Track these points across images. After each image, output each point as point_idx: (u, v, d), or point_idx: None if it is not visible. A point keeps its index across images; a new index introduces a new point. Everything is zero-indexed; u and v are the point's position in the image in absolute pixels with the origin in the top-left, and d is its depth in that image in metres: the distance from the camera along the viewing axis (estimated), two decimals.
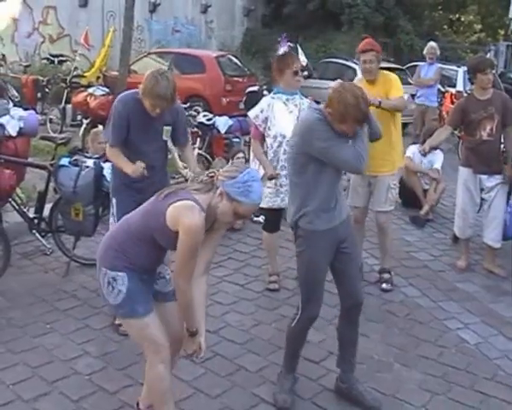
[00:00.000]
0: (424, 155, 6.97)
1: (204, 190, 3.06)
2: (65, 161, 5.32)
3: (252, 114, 5.29)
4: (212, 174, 3.09)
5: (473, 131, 5.84)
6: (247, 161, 7.65)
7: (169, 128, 4.45)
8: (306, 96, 5.55)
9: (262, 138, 5.21)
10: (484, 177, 5.90)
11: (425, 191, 7.82)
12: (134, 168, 4.26)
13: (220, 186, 3.02)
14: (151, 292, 3.25)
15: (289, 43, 5.40)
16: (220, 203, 3.01)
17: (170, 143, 4.74)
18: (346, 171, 4.04)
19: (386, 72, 5.55)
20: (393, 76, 5.51)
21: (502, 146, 6.05)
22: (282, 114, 5.11)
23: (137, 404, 3.50)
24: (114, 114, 4.33)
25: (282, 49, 5.29)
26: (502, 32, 30.38)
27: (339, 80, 3.79)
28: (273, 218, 5.37)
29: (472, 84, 6.07)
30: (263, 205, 5.29)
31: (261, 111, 5.21)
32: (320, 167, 3.57)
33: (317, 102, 4.46)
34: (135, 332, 3.25)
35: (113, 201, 4.56)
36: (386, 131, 5.16)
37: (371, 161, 5.19)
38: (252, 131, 5.43)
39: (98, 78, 12.89)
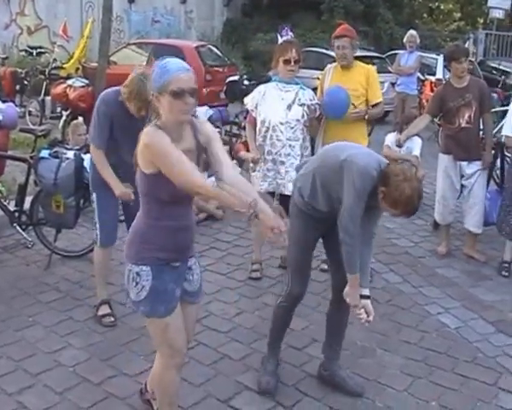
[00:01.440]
0: (399, 146, 6.99)
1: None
2: (45, 153, 5.29)
3: (245, 99, 5.43)
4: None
5: (451, 119, 5.90)
6: (231, 151, 7.68)
7: None
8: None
9: (254, 123, 5.29)
10: (464, 163, 5.95)
11: None
12: (122, 193, 4.28)
13: (151, 96, 2.89)
14: (177, 289, 3.06)
15: (290, 33, 5.41)
16: (163, 108, 2.85)
17: None
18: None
19: (363, 64, 5.52)
20: (372, 71, 5.49)
21: (481, 133, 6.11)
22: (272, 101, 5.16)
23: (141, 390, 3.54)
24: (98, 114, 4.31)
25: (280, 39, 5.34)
26: (481, 21, 30.53)
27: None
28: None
29: (449, 72, 6.12)
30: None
31: (252, 98, 5.30)
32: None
33: None
34: (155, 332, 3.11)
35: (94, 195, 4.55)
36: (355, 121, 5.26)
37: None
38: (247, 117, 5.55)
39: (77, 69, 12.81)
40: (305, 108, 5.11)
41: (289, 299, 3.85)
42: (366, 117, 5.40)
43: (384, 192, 3.34)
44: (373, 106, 5.40)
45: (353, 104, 5.22)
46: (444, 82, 12.81)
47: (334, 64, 5.57)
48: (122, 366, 4.02)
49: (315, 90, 5.55)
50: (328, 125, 5.35)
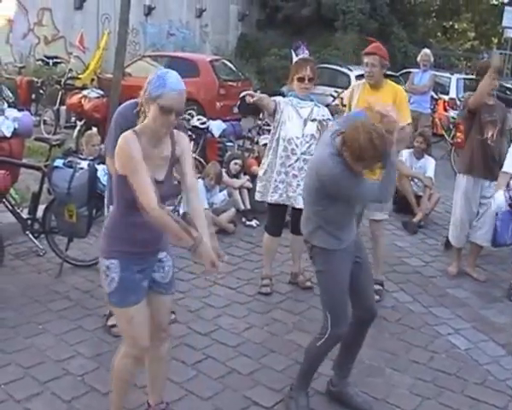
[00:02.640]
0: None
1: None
2: (59, 162, 5.33)
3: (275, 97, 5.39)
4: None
5: (482, 130, 5.87)
6: (242, 167, 7.70)
7: None
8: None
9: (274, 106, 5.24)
10: (485, 184, 5.93)
11: (417, 197, 7.87)
12: None
13: (143, 100, 3.01)
14: (146, 281, 3.22)
15: (306, 51, 5.42)
16: (149, 113, 2.99)
17: None
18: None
19: (393, 83, 5.52)
20: (401, 91, 5.48)
21: None
22: (289, 115, 5.18)
23: (148, 403, 3.58)
24: (116, 127, 4.30)
25: (295, 56, 5.37)
26: (495, 41, 30.56)
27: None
28: (275, 216, 5.40)
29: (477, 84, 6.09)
30: (259, 198, 5.39)
31: (279, 100, 5.29)
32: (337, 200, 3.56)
33: None
34: (121, 322, 3.31)
35: (110, 208, 4.54)
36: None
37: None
38: None
39: (92, 80, 12.88)
40: (317, 123, 5.12)
41: (332, 340, 3.70)
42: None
43: (346, 153, 3.39)
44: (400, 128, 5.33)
45: None
46: (457, 102, 12.86)
47: (362, 82, 5.56)
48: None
49: (328, 106, 5.56)
50: None
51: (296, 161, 5.14)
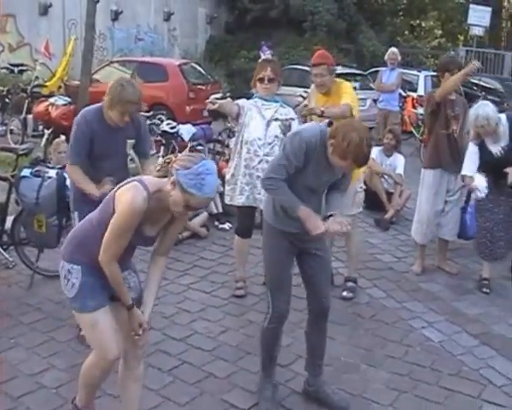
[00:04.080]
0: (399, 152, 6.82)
1: (157, 175, 3.07)
2: (26, 172, 5.26)
3: (239, 101, 5.39)
4: (169, 160, 3.06)
5: (447, 124, 5.89)
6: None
7: (132, 141, 4.44)
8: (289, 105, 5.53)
9: (237, 111, 5.24)
10: (452, 178, 5.96)
11: (388, 194, 7.93)
12: (101, 193, 4.17)
13: (174, 174, 2.97)
14: (108, 291, 3.20)
15: (268, 50, 5.42)
16: (172, 192, 2.97)
17: (133, 153, 4.74)
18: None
19: (341, 81, 5.50)
20: (346, 84, 5.45)
21: None
22: (253, 117, 5.18)
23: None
24: (77, 132, 4.28)
25: (261, 57, 5.36)
26: (461, 38, 30.92)
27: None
28: (244, 218, 5.39)
29: (439, 81, 6.13)
30: (228, 202, 5.39)
31: (243, 103, 5.29)
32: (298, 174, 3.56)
33: None
34: (86, 329, 3.27)
35: (75, 214, 4.50)
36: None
37: None
38: None
39: (59, 87, 12.81)
40: (280, 123, 5.12)
41: (274, 320, 3.80)
42: (323, 114, 5.08)
43: (333, 144, 3.38)
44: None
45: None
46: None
47: (313, 87, 5.57)
48: (105, 386, 3.93)
49: (297, 106, 5.56)
50: None
51: (259, 162, 5.13)
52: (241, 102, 5.30)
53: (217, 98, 8.80)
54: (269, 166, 3.71)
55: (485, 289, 5.78)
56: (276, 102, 5.28)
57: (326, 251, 3.96)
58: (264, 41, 5.38)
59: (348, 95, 5.27)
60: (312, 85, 5.61)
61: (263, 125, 5.16)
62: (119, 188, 3.07)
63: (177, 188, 2.94)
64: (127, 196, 2.94)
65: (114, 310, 3.24)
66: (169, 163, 3.04)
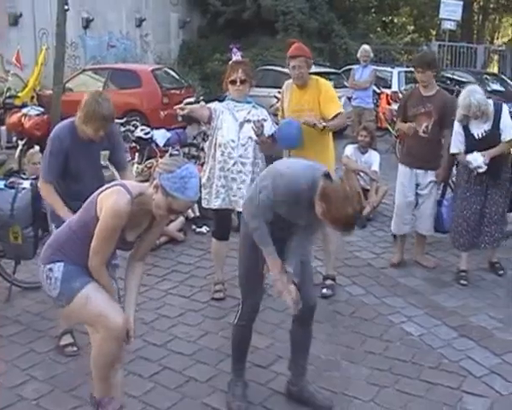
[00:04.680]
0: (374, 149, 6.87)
1: (139, 180, 3.10)
2: (0, 183, 5.21)
3: (210, 104, 5.37)
4: (150, 165, 3.12)
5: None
6: None
7: (106, 152, 4.42)
8: (263, 106, 5.54)
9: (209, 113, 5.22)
10: (420, 172, 6.02)
11: (364, 191, 7.95)
12: (68, 214, 4.15)
13: (156, 178, 2.99)
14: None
15: (238, 52, 5.42)
16: (155, 195, 2.99)
17: (108, 163, 4.74)
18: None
19: (317, 77, 5.53)
20: (327, 84, 5.50)
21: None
22: (225, 120, 5.17)
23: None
24: (51, 150, 4.25)
25: (231, 59, 5.37)
26: (434, 33, 31.20)
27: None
28: (220, 221, 5.39)
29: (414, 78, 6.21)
30: (203, 205, 5.39)
31: (216, 105, 5.27)
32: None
33: None
34: (82, 313, 3.22)
35: (53, 227, 4.47)
36: (319, 133, 5.28)
37: None
38: None
39: (32, 97, 12.68)
40: (252, 124, 5.11)
41: (244, 316, 3.83)
42: (322, 126, 5.24)
43: (324, 209, 3.31)
44: (333, 117, 5.32)
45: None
46: (399, 94, 13.06)
47: (290, 81, 5.58)
48: (86, 395, 3.91)
49: (271, 107, 5.58)
50: None
51: (234, 164, 5.13)
52: (213, 105, 5.30)
53: (190, 102, 8.83)
54: (253, 196, 3.57)
55: (462, 281, 5.83)
56: (249, 103, 5.29)
57: (307, 252, 3.94)
58: (233, 43, 5.33)
59: (337, 104, 5.40)
60: (286, 82, 5.63)
61: (236, 126, 5.16)
62: (100, 192, 3.07)
63: (160, 191, 2.97)
64: (111, 199, 2.96)
65: None
66: (150, 168, 3.09)
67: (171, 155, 8.27)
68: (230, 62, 5.34)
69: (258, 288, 3.85)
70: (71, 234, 3.16)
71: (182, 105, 5.25)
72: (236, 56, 5.36)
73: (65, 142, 4.23)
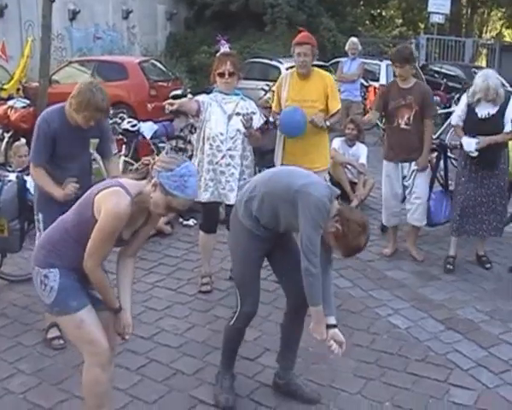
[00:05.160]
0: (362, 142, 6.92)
1: (136, 178, 3.04)
2: None
3: (198, 96, 5.36)
4: (147, 162, 3.04)
5: (391, 119, 6.03)
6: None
7: (96, 141, 4.41)
8: (251, 98, 5.56)
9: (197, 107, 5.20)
10: (405, 165, 6.06)
11: (352, 184, 7.97)
12: (65, 192, 4.22)
13: (155, 176, 2.95)
14: (86, 291, 3.17)
15: (226, 44, 5.40)
16: (154, 194, 2.96)
17: (95, 153, 4.72)
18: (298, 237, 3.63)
19: (319, 69, 5.59)
20: (330, 79, 5.55)
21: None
22: (214, 112, 5.16)
23: None
24: (39, 134, 4.23)
25: (219, 51, 5.35)
26: (422, 26, 31.24)
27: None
28: (208, 214, 5.37)
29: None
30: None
31: (203, 98, 5.25)
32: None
33: None
34: (71, 331, 3.18)
35: (40, 216, 4.46)
36: (318, 128, 5.30)
37: (305, 157, 5.33)
38: None
39: (18, 90, 12.59)
40: (241, 117, 5.10)
41: (241, 319, 3.75)
42: (326, 126, 5.39)
43: (338, 230, 3.37)
44: (333, 114, 5.45)
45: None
46: None
47: (290, 71, 5.56)
48: (74, 388, 3.93)
49: (260, 100, 5.59)
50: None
51: (222, 157, 5.12)
52: (201, 97, 5.28)
53: (177, 95, 8.80)
54: (305, 242, 3.40)
55: (448, 266, 5.94)
56: (237, 95, 5.27)
57: (295, 243, 3.93)
58: (221, 35, 5.31)
59: (338, 100, 5.48)
60: (284, 72, 5.64)
61: (224, 119, 5.14)
62: (98, 192, 3.00)
63: (159, 190, 2.94)
64: (111, 202, 2.89)
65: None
66: (147, 165, 3.02)
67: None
68: (218, 54, 5.32)
69: (257, 290, 3.76)
70: (64, 234, 3.09)
71: (171, 100, 5.21)
72: (224, 48, 5.34)
73: (52, 125, 4.20)
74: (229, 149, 5.12)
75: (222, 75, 5.17)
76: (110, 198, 2.91)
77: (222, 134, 5.11)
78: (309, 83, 5.38)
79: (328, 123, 5.38)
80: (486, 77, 5.62)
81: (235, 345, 3.90)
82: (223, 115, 5.13)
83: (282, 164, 5.56)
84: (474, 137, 5.66)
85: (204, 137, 5.18)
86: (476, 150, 5.61)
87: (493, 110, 5.65)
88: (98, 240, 2.94)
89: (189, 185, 2.96)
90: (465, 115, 5.79)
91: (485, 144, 5.60)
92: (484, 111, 5.67)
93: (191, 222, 7.14)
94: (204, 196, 5.21)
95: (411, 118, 5.90)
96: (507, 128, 5.66)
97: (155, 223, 3.41)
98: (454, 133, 6.16)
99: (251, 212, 3.61)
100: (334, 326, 3.60)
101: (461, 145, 5.81)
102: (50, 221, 4.32)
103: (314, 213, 3.36)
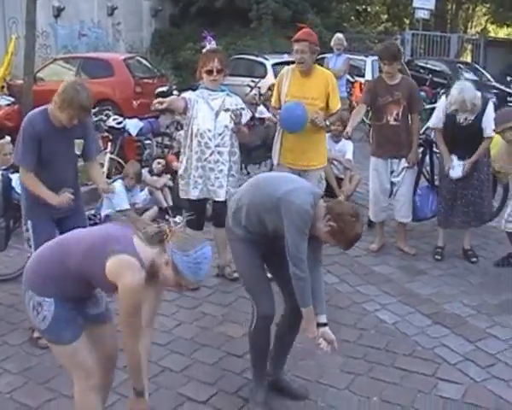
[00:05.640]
0: (349, 138, 6.96)
1: (150, 244, 2.91)
2: None
3: (185, 93, 5.37)
4: (163, 233, 2.91)
5: (379, 115, 6.04)
6: (165, 167, 7.65)
7: (81, 141, 4.38)
8: (237, 94, 5.58)
9: (185, 104, 5.19)
10: (394, 160, 6.08)
11: (338, 180, 7.97)
12: (60, 199, 4.23)
13: (169, 252, 2.85)
14: (81, 316, 3.10)
15: (212, 41, 5.38)
16: (165, 270, 2.88)
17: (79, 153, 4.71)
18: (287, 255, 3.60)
19: (322, 68, 5.63)
20: (332, 77, 5.56)
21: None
22: (201, 109, 5.15)
23: None
24: (24, 137, 4.20)
25: (205, 47, 5.32)
26: (407, 22, 31.32)
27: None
28: (196, 210, 5.31)
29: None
30: (182, 196, 5.36)
31: (190, 95, 5.25)
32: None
33: None
34: (63, 359, 3.12)
35: (29, 224, 4.40)
36: (317, 127, 5.30)
37: (303, 155, 5.34)
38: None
39: (2, 87, 12.51)
40: (230, 113, 5.09)
41: (262, 323, 3.68)
42: (326, 126, 5.43)
43: (333, 228, 3.37)
44: (331, 114, 5.48)
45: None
46: None
47: (292, 67, 5.55)
48: (61, 387, 3.92)
49: (246, 96, 5.59)
50: (285, 133, 5.46)
51: (211, 154, 5.11)
52: (188, 94, 5.26)
53: (163, 91, 8.77)
54: (290, 248, 3.43)
55: (437, 256, 6.07)
56: (223, 91, 5.26)
57: None
58: (207, 31, 5.28)
59: (338, 99, 5.51)
60: (286, 67, 5.63)
61: (212, 115, 5.13)
62: (112, 252, 2.82)
63: (171, 268, 2.85)
64: (126, 278, 2.79)
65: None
66: (163, 236, 2.90)
67: (138, 145, 8.20)
68: (204, 51, 5.30)
69: (269, 291, 3.70)
70: (65, 270, 2.94)
71: (161, 99, 5.19)
72: (210, 45, 5.32)
73: (37, 127, 4.17)
74: (217, 146, 5.10)
75: (210, 72, 5.15)
76: (125, 273, 2.80)
77: (210, 130, 5.09)
78: (310, 80, 5.38)
79: (327, 122, 5.40)
80: (462, 90, 5.66)
81: (264, 351, 3.80)
82: (210, 112, 5.12)
83: (278, 162, 5.57)
84: (455, 148, 5.79)
85: (192, 134, 5.16)
86: (463, 174, 5.78)
87: (471, 116, 5.71)
88: (126, 318, 2.87)
89: (202, 269, 2.89)
90: (444, 118, 5.84)
91: (471, 165, 5.76)
92: (462, 116, 5.74)
93: (177, 219, 7.08)
94: (193, 194, 5.20)
95: (400, 114, 5.93)
96: (487, 133, 5.73)
97: (164, 286, 3.21)
98: (434, 137, 6.15)
99: (240, 222, 3.64)
100: (325, 325, 3.60)
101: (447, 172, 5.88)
102: (41, 228, 4.33)
103: (297, 221, 3.38)
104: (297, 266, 3.41)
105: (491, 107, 5.79)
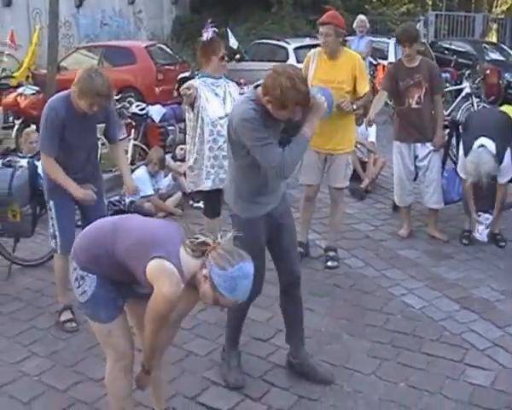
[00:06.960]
0: (370, 125, 6.91)
1: (194, 255, 2.88)
2: None
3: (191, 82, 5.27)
4: (206, 245, 2.87)
5: (401, 100, 5.96)
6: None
7: (102, 126, 4.44)
8: (232, 79, 5.56)
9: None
10: (418, 145, 6.00)
11: (362, 163, 7.92)
12: (84, 194, 4.33)
13: (208, 268, 2.81)
14: (120, 299, 3.11)
15: (214, 29, 5.35)
16: (203, 284, 2.84)
17: (103, 138, 4.73)
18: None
19: (351, 51, 5.57)
20: (361, 60, 5.51)
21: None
22: (208, 97, 5.09)
23: None
24: (47, 123, 4.26)
25: (205, 35, 5.25)
26: (430, 2, 30.86)
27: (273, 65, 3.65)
28: (211, 200, 5.30)
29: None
30: (193, 188, 5.33)
31: (196, 88, 5.15)
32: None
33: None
34: (99, 335, 3.16)
35: (51, 204, 4.50)
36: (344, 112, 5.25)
37: (330, 140, 5.30)
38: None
39: (27, 77, 12.62)
40: (234, 100, 5.04)
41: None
42: (353, 108, 5.35)
43: (269, 100, 3.30)
44: (359, 98, 5.38)
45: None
46: None
47: (318, 50, 5.48)
48: (87, 371, 3.96)
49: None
50: None
51: (224, 141, 5.06)
52: (194, 83, 5.16)
53: (185, 77, 8.75)
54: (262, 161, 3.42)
55: (464, 240, 6.00)
56: (220, 78, 5.24)
57: (290, 216, 3.90)
58: (207, 20, 5.26)
59: (366, 82, 5.44)
60: (312, 50, 5.58)
61: (220, 102, 5.09)
62: (155, 255, 2.79)
63: (209, 284, 2.81)
64: (164, 286, 2.76)
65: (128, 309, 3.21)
66: (205, 248, 2.86)
67: (161, 132, 8.18)
68: (209, 38, 5.21)
69: (263, 273, 3.75)
70: (109, 256, 2.95)
71: (187, 84, 5.16)
72: (210, 34, 5.25)
73: (60, 114, 4.22)
74: None
75: (222, 59, 5.17)
76: (164, 280, 2.77)
77: (221, 118, 5.03)
78: (337, 63, 5.30)
79: (355, 106, 5.30)
80: (477, 165, 5.51)
81: (239, 322, 3.92)
82: (217, 99, 5.08)
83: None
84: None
85: (202, 125, 5.09)
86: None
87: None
88: (155, 319, 2.88)
89: (240, 288, 2.81)
90: None
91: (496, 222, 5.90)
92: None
93: (201, 204, 7.10)
94: (206, 185, 5.12)
95: (422, 96, 5.84)
96: (501, 180, 5.75)
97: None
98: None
99: (235, 192, 3.66)
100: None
101: None
102: (62, 209, 4.41)
103: (247, 132, 3.35)
104: (279, 174, 3.41)
105: (508, 156, 5.68)
